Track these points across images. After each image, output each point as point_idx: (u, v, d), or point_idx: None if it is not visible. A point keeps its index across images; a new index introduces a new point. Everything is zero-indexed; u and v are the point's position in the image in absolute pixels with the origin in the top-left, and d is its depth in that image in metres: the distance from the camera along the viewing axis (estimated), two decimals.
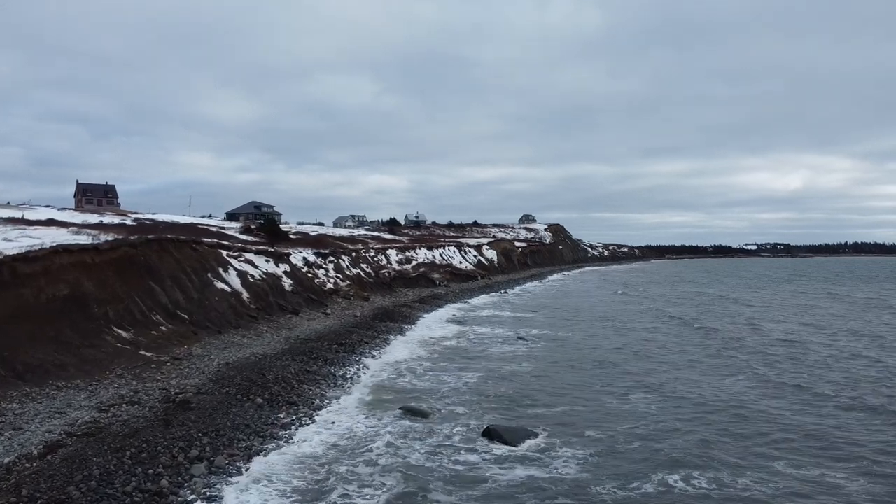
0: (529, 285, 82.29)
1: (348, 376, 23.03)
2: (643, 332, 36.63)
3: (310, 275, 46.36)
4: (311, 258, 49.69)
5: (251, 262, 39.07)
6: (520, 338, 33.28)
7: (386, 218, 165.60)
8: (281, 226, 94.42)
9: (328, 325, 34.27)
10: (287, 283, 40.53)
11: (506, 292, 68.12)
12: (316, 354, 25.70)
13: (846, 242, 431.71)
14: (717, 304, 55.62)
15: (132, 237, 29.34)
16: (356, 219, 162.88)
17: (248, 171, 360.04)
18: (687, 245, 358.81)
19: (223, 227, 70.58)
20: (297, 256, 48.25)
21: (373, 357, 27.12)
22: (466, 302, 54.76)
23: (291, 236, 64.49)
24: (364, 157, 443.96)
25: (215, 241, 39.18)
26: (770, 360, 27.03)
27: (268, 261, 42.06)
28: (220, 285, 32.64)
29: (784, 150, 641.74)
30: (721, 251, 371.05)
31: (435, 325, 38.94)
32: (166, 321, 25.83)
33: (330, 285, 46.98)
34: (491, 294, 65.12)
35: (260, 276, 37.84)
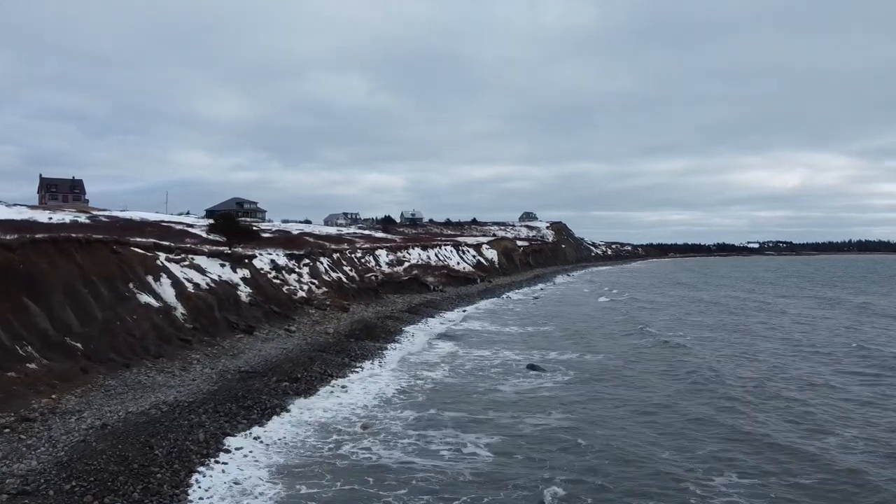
0: (534, 289, 74.95)
1: (286, 442, 15.65)
2: (688, 361, 29.24)
3: (277, 281, 38.94)
4: (282, 261, 42.29)
5: (199, 268, 31.66)
6: (534, 366, 25.80)
7: (383, 216, 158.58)
8: (263, 224, 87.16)
9: (287, 349, 26.87)
10: (244, 292, 33.13)
11: (508, 297, 60.83)
12: (251, 401, 18.30)
13: (850, 240, 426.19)
14: (741, 316, 48.30)
15: (8, 237, 21.86)
16: (349, 217, 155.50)
17: (245, 169, 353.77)
18: (690, 243, 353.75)
19: (192, 225, 63.34)
20: (264, 259, 40.83)
21: (334, 400, 19.75)
22: (464, 311, 47.41)
23: (265, 235, 57.19)
24: (361, 156, 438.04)
25: (152, 241, 31.75)
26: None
27: (223, 265, 34.64)
28: (144, 299, 25.22)
29: (781, 148, 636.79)
30: (724, 249, 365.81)
31: (425, 344, 31.59)
32: (41, 354, 18.41)
33: (302, 293, 39.57)
34: (492, 300, 57.79)
35: (207, 284, 30.44)
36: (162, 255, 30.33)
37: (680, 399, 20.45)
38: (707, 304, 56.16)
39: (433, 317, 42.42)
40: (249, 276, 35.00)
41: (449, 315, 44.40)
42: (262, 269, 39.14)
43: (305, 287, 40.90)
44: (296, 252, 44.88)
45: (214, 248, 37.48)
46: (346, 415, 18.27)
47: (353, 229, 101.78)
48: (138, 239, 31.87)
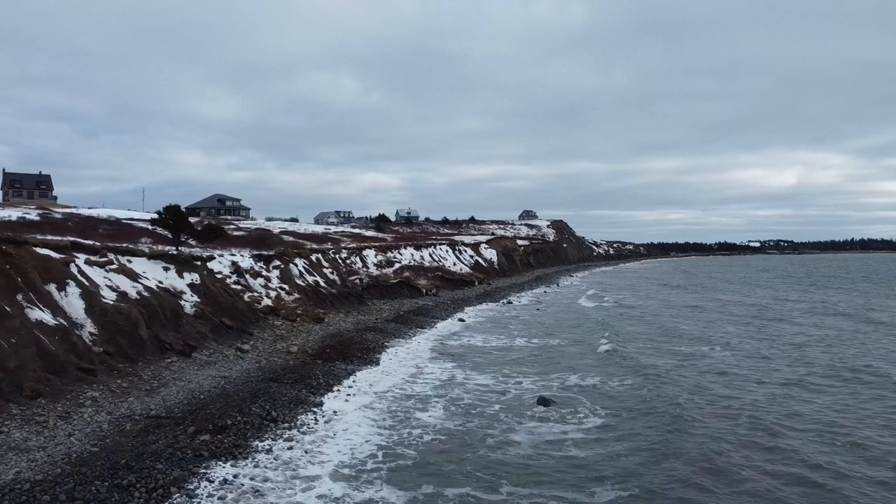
0: (537, 292, 68.87)
1: None
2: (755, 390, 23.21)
3: (237, 287, 32.86)
4: (246, 263, 36.19)
5: (130, 273, 25.59)
6: (550, 401, 19.70)
7: (378, 215, 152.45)
8: (245, 221, 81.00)
9: (228, 377, 20.82)
10: (190, 302, 27.06)
11: (509, 302, 54.72)
12: (138, 474, 12.21)
13: (853, 239, 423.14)
14: (765, 326, 42.22)
15: None
16: (342, 215, 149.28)
17: (241, 169, 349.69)
18: (691, 242, 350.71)
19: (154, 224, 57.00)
20: (223, 261, 34.76)
21: (267, 469, 13.67)
22: (460, 319, 41.33)
23: (237, 233, 51.12)
24: (357, 156, 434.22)
25: (69, 240, 25.68)
26: None
27: (167, 268, 28.65)
28: (35, 315, 19.12)
29: (778, 146, 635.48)
30: (726, 248, 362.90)
31: (413, 366, 25.50)
32: None
33: (268, 301, 33.48)
34: (491, 305, 51.70)
35: (138, 293, 24.33)
36: (81, 258, 24.27)
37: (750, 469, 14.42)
38: (727, 313, 50.20)
39: (424, 327, 36.36)
40: (199, 282, 28.92)
41: (443, 325, 38.33)
42: (220, 272, 33.12)
43: (273, 293, 34.81)
44: (265, 252, 38.78)
45: (160, 248, 31.44)
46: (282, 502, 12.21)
47: (341, 228, 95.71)
48: (49, 237, 25.83)
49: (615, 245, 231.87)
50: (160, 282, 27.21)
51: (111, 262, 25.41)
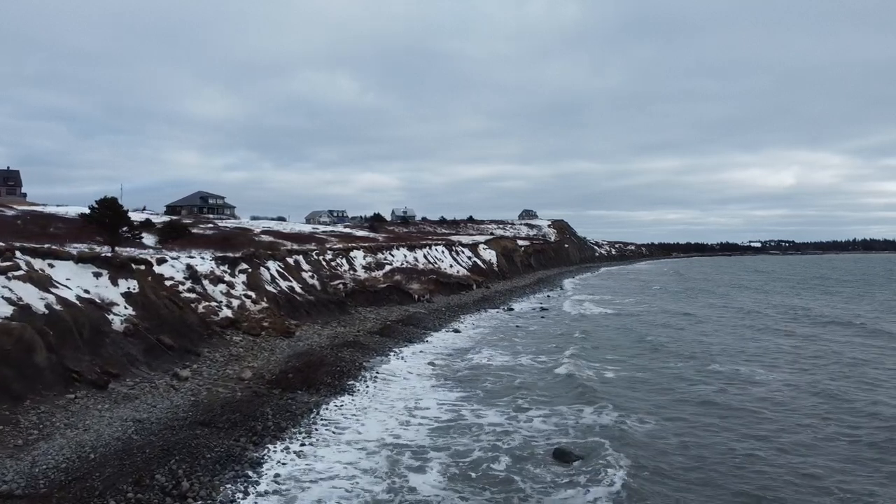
0: (539, 297, 63.73)
1: None
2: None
3: (191, 295, 27.72)
4: (206, 267, 31.03)
5: (41, 281, 20.44)
6: (569, 455, 14.61)
7: (373, 214, 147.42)
8: (227, 220, 75.81)
9: (146, 420, 15.68)
10: (121, 315, 21.92)
11: (511, 309, 49.59)
12: None
13: (854, 239, 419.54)
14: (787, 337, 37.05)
15: None
16: (335, 214, 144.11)
17: (238, 169, 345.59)
18: (693, 243, 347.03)
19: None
20: (179, 264, 29.63)
21: None
22: (456, 330, 36.20)
23: (207, 232, 45.95)
24: (354, 156, 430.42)
25: None
26: None
27: (98, 274, 23.52)
28: None
29: (777, 146, 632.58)
30: (728, 248, 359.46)
31: (392, 397, 20.37)
32: None
33: (227, 312, 28.33)
34: (492, 312, 46.60)
35: (47, 307, 19.20)
36: None
37: None
38: (754, 327, 45.23)
39: (413, 341, 31.22)
40: (137, 291, 23.79)
41: (436, 337, 33.20)
42: (171, 278, 27.99)
43: (236, 302, 29.67)
44: (230, 254, 33.62)
45: (93, 250, 26.33)
46: None
47: (331, 227, 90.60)
48: None
49: (617, 245, 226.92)
50: (86, 291, 22.09)
51: (16, 268, 20.25)
